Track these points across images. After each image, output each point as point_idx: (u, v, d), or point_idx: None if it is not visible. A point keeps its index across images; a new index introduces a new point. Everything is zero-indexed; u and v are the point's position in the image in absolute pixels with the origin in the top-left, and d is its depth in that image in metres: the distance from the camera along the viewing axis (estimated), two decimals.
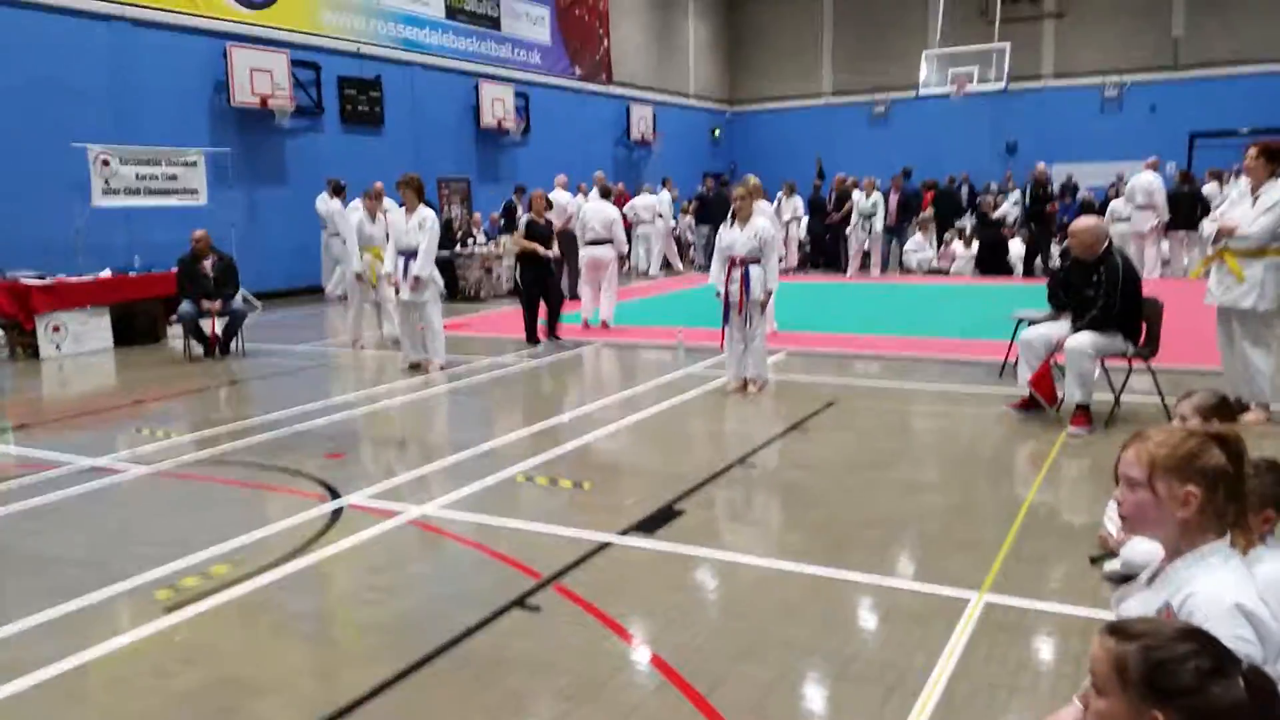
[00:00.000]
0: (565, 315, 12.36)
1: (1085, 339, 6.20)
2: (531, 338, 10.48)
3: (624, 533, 4.64)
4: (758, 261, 7.66)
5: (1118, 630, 1.60)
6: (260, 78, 15.20)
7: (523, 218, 10.78)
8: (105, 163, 12.45)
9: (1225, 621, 1.81)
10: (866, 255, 17.80)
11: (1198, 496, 1.96)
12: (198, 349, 10.33)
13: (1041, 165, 17.23)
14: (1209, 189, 16.20)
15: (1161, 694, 1.49)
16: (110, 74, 13.60)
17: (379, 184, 11.40)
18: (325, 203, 15.53)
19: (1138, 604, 2.07)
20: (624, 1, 24.74)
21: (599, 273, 11.58)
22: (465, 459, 6.10)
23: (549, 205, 11.34)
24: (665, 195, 19.89)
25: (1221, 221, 6.34)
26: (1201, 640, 1.54)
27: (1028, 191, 16.91)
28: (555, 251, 10.62)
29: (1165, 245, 15.95)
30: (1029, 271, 16.49)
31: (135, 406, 7.99)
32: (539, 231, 10.47)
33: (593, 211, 11.75)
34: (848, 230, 18.10)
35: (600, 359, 9.96)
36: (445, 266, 10.49)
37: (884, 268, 18.06)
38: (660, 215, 19.15)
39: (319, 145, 16.56)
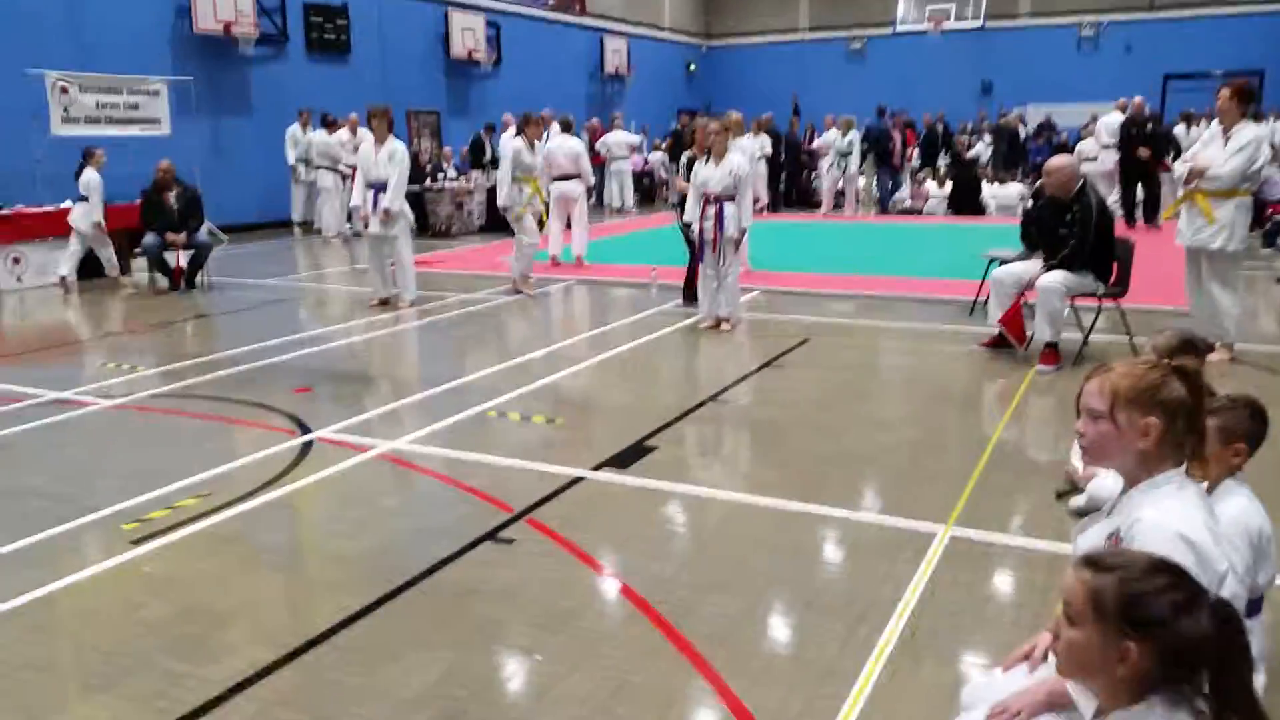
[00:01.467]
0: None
1: (1057, 278, 6.22)
2: (689, 295, 8.68)
3: (596, 468, 4.64)
4: (732, 199, 7.60)
5: (1093, 562, 1.61)
6: (224, 4, 14.74)
7: (683, 155, 8.82)
8: (64, 90, 12.06)
9: (1166, 548, 1.83)
10: (841, 194, 17.74)
11: (1158, 427, 1.98)
12: (162, 282, 10.16)
13: (1139, 99, 14.71)
14: (1179, 130, 16.21)
15: (1136, 625, 1.52)
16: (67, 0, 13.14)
17: (546, 112, 10.69)
18: (299, 134, 15.22)
19: (1096, 533, 2.10)
20: None
21: (568, 207, 11.45)
22: (436, 394, 6.07)
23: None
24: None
25: (1193, 162, 6.35)
26: (1175, 573, 1.56)
27: (1120, 130, 14.46)
28: None
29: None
30: (1130, 220, 13.84)
31: (100, 340, 7.87)
32: None
33: (557, 147, 11.54)
34: (822, 168, 18.03)
35: (573, 296, 9.90)
36: (415, 201, 10.24)
37: (884, 208, 18.02)
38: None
39: (284, 74, 16.15)
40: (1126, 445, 2.01)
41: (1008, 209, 15.91)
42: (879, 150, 17.72)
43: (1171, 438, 2.00)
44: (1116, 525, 2.02)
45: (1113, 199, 15.56)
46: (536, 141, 9.96)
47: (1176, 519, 1.91)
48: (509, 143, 9.86)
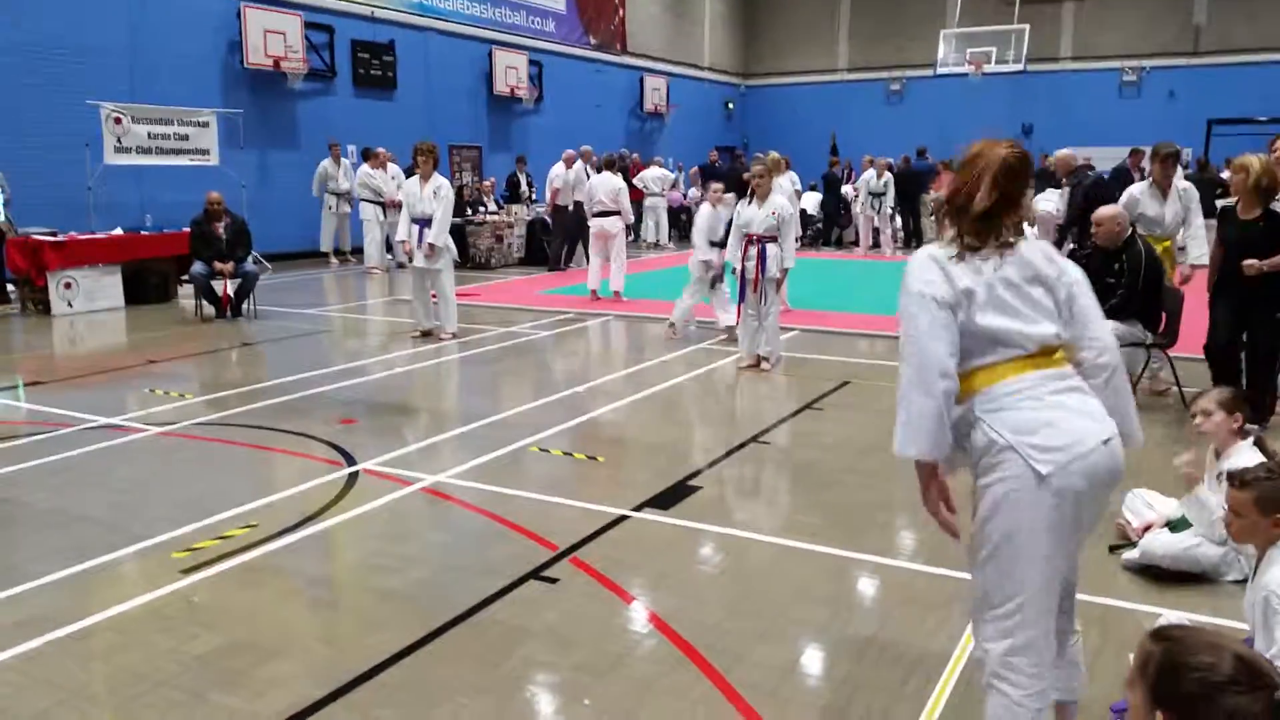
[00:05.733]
0: (572, 287, 12.32)
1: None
2: None
3: (639, 507, 4.63)
4: (775, 239, 7.61)
5: (1160, 631, 1.61)
6: (274, 39, 15.07)
7: None
8: (118, 120, 12.37)
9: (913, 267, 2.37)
10: (877, 232, 17.73)
11: None
12: (209, 310, 10.32)
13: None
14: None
15: (1164, 697, 1.51)
16: (125, 33, 13.47)
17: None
18: (331, 168, 15.34)
19: None
20: None
21: (607, 243, 11.60)
22: (478, 428, 6.09)
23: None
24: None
25: None
26: (1231, 656, 1.51)
27: None
28: None
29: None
30: None
31: (147, 366, 7.98)
32: None
33: (599, 183, 11.87)
34: (855, 209, 18.04)
35: (610, 331, 9.94)
36: (456, 234, 10.39)
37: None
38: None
39: (331, 109, 16.43)
40: None
41: None
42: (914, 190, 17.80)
43: None
44: None
45: None
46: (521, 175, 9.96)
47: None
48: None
